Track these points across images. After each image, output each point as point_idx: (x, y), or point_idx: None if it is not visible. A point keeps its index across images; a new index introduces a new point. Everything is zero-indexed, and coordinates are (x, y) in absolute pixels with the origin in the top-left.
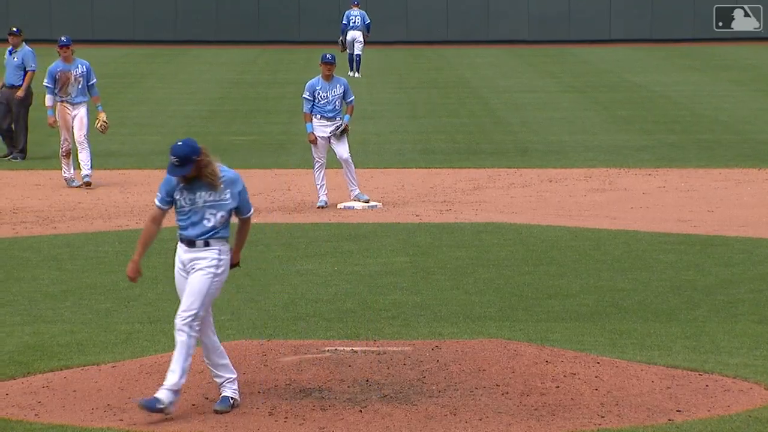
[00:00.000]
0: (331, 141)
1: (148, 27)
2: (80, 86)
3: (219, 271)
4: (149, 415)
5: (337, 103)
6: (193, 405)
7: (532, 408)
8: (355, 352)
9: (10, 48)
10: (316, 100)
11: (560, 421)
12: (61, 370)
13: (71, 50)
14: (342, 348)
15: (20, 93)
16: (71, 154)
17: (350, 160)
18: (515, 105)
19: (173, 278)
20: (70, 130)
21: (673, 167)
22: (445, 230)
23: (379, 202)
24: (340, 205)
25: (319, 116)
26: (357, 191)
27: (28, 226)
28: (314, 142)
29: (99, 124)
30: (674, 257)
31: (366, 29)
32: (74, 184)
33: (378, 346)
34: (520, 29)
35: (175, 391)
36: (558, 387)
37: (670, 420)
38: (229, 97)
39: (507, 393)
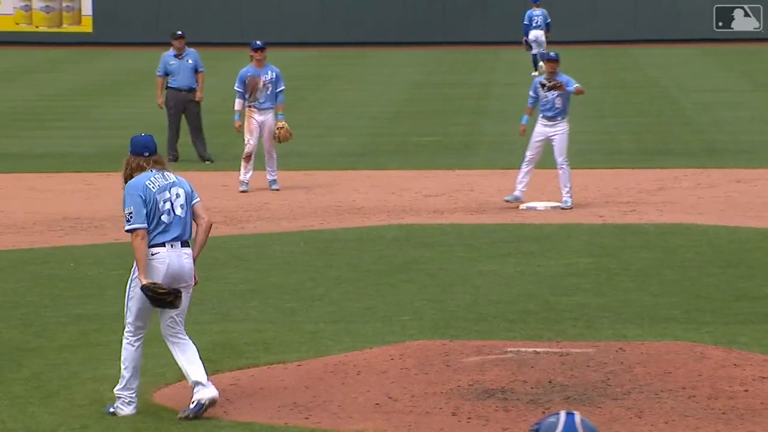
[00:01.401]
0: (553, 141)
1: (335, 29)
2: (268, 92)
3: (133, 282)
4: (333, 414)
5: (556, 102)
6: (377, 404)
7: (720, 412)
8: (538, 353)
9: (171, 52)
10: (539, 98)
11: (749, 425)
12: (249, 368)
13: (264, 55)
14: (524, 349)
15: (201, 95)
16: (251, 158)
17: (564, 164)
18: (704, 104)
19: (356, 279)
20: (254, 135)
21: None
22: (629, 231)
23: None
24: (523, 206)
25: (541, 115)
26: (566, 193)
27: (217, 226)
28: (522, 133)
29: (278, 133)
30: None
31: (546, 29)
32: (243, 188)
33: (561, 348)
34: (710, 27)
35: (118, 394)
36: (747, 391)
37: None
38: (414, 99)
39: (693, 396)
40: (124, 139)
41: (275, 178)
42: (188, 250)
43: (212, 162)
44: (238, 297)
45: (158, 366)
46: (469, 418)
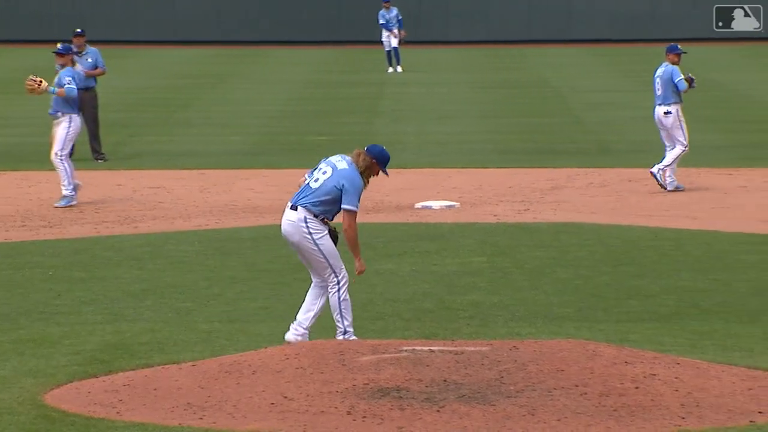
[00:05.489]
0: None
1: (231, 28)
2: (59, 98)
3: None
4: (228, 414)
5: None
6: (272, 404)
7: (611, 409)
8: (433, 351)
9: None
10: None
11: (640, 422)
12: (142, 368)
13: (65, 60)
14: (420, 348)
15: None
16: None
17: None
18: (595, 104)
19: (251, 278)
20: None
21: (756, 167)
22: (523, 230)
23: (457, 202)
24: (418, 205)
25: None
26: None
27: (110, 225)
28: None
29: (32, 84)
30: (756, 258)
31: (399, 26)
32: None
33: (456, 346)
34: (602, 28)
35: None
36: (637, 388)
37: (751, 422)
38: (309, 98)
39: (586, 393)
40: (15, 138)
41: (64, 193)
42: (291, 213)
43: (105, 161)
44: (131, 297)
45: (50, 367)
46: (364, 417)
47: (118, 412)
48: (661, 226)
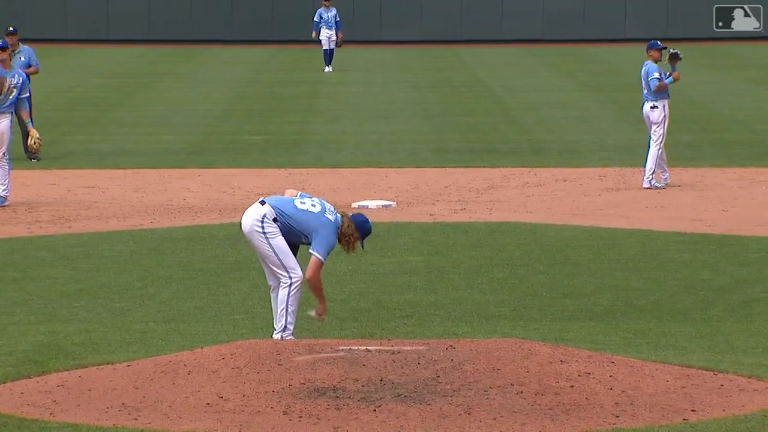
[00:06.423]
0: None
1: (164, 27)
2: (12, 97)
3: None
4: (163, 415)
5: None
6: (208, 404)
7: (547, 407)
8: (370, 351)
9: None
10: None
11: (575, 420)
12: (76, 369)
13: (7, 55)
14: (356, 347)
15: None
16: None
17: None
18: (530, 104)
19: (187, 278)
20: None
21: (689, 166)
22: (460, 229)
23: (394, 201)
24: (354, 204)
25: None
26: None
27: (43, 225)
28: None
29: (32, 141)
30: (689, 256)
31: (337, 28)
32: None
33: (392, 346)
34: (535, 28)
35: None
36: (572, 386)
37: (684, 420)
38: (244, 97)
39: (521, 392)
40: None
41: (5, 194)
42: (257, 206)
43: (38, 160)
44: (65, 297)
45: None
46: (300, 416)
47: (51, 413)
48: (595, 225)
